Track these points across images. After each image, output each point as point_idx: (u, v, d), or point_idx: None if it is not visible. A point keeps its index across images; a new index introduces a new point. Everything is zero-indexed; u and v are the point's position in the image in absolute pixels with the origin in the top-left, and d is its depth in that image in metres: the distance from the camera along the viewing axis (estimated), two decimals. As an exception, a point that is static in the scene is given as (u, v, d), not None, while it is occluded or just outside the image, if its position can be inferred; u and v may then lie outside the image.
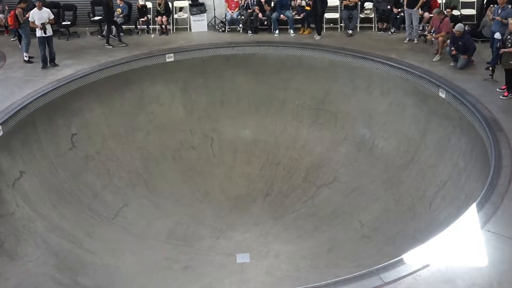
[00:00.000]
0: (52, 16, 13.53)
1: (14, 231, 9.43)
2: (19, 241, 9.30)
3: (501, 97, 11.01)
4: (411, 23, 14.49)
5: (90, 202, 11.16)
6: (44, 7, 13.52)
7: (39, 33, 13.18)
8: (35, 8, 13.28)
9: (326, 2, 15.20)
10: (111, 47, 14.89)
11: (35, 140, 11.20)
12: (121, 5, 15.69)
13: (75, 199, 11.01)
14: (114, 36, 15.40)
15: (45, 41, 13.30)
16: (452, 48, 12.37)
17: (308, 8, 14.95)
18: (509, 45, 10.80)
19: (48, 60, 13.42)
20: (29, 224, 9.76)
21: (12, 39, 15.79)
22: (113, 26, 15.41)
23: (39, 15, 13.20)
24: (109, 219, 11.01)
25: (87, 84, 12.63)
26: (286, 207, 11.80)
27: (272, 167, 12.83)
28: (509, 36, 10.86)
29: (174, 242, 10.83)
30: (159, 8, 16.03)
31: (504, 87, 11.14)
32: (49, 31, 13.37)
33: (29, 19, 13.46)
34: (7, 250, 8.99)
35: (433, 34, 13.48)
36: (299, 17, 15.59)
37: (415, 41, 14.36)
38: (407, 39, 14.52)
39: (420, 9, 14.81)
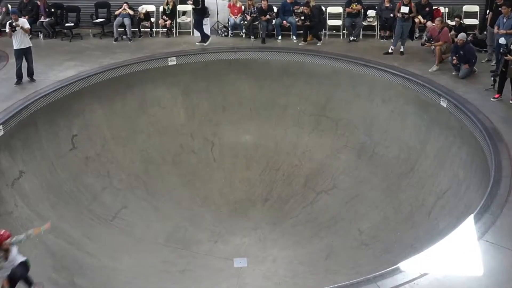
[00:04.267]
0: (27, 26, 12.48)
1: (12, 230, 9.25)
2: (16, 241, 9.29)
3: (492, 99, 11.15)
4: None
5: (89, 204, 11.15)
6: (20, 19, 12.53)
7: (15, 45, 12.32)
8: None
9: (324, 21, 15.39)
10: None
11: (35, 140, 11.19)
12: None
13: (74, 200, 11.00)
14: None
15: (23, 54, 12.45)
16: (454, 58, 12.38)
17: (307, 22, 14.90)
18: None
19: (26, 74, 12.66)
20: (27, 223, 9.72)
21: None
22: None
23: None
24: (108, 220, 10.99)
25: (89, 85, 12.65)
26: (285, 212, 11.79)
27: (272, 172, 12.82)
28: None
29: (173, 245, 10.81)
30: (166, 7, 16.03)
31: (497, 96, 11.21)
32: (27, 43, 12.48)
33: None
34: (4, 249, 8.96)
35: (432, 43, 13.52)
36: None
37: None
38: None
39: (422, 18, 14.98)
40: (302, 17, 14.88)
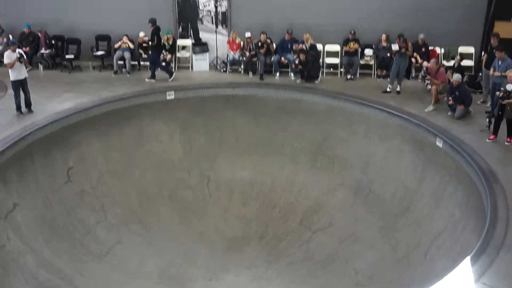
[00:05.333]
0: (24, 57, 12.70)
1: (3, 264, 9.28)
2: (7, 275, 9.15)
3: (487, 140, 11.24)
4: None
5: (82, 238, 11.03)
6: (18, 48, 12.62)
7: (12, 76, 12.39)
8: (9, 50, 12.47)
9: (318, 67, 15.44)
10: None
11: (31, 172, 11.14)
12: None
13: (67, 234, 10.87)
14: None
15: (20, 85, 12.50)
16: (449, 98, 12.51)
17: (300, 66, 15.07)
18: None
19: (24, 105, 12.69)
20: (19, 258, 9.61)
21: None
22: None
23: (11, 56, 12.36)
24: (101, 256, 10.86)
25: (87, 118, 12.66)
26: (280, 250, 11.68)
27: (268, 209, 12.76)
28: None
29: (166, 282, 10.67)
30: (166, 43, 16.21)
31: (492, 137, 11.30)
32: (24, 73, 12.58)
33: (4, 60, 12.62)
34: (-6, 284, 8.85)
35: (430, 78, 13.75)
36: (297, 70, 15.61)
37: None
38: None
39: (419, 57, 15.22)
40: (297, 61, 15.08)
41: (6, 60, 12.44)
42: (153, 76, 15.28)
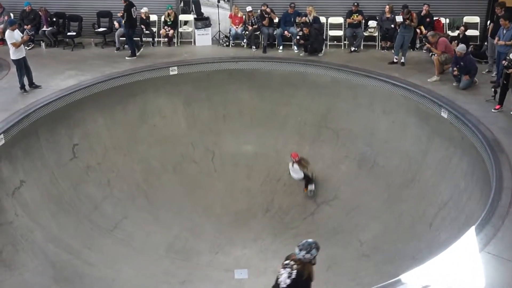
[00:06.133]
0: (24, 36, 12.82)
1: (12, 240, 9.38)
2: (16, 251, 9.26)
3: (492, 110, 11.15)
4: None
5: (89, 213, 11.12)
6: (17, 29, 12.50)
7: (14, 55, 12.22)
8: (8, 30, 12.23)
9: (322, 40, 15.26)
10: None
11: (36, 149, 11.18)
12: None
13: (74, 210, 10.97)
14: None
15: (23, 63, 12.41)
16: (454, 69, 12.41)
17: (302, 42, 14.93)
18: None
19: (28, 84, 12.65)
20: (27, 233, 9.70)
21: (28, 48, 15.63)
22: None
23: (14, 36, 12.24)
24: (108, 230, 10.96)
25: (91, 94, 12.64)
26: (286, 223, 11.76)
27: (272, 182, 12.80)
28: None
29: (173, 256, 10.78)
30: (167, 19, 16.11)
31: (498, 107, 11.22)
32: (23, 52, 12.51)
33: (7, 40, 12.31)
34: (4, 259, 8.94)
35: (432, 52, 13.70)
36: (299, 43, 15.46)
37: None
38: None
39: (423, 28, 15.08)
40: (299, 35, 14.92)
41: (10, 40, 12.24)
42: (134, 52, 15.13)
